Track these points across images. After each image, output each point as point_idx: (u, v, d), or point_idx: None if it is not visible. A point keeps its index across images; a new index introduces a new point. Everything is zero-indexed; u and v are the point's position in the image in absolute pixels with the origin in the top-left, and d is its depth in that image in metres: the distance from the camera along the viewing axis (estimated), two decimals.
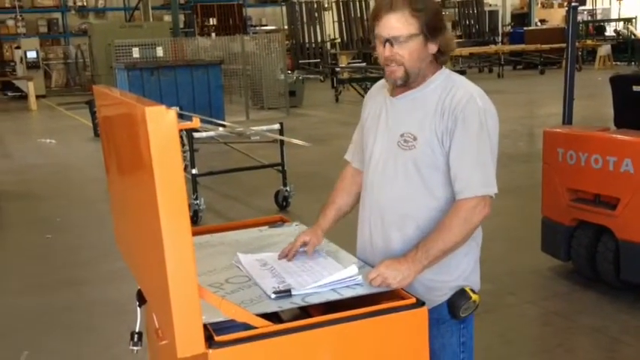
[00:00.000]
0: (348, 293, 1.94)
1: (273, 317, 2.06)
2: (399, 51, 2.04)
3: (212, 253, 2.34)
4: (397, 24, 2.02)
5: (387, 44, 2.05)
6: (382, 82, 2.29)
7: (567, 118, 5.06)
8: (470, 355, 2.23)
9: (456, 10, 27.87)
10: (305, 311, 2.23)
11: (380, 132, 2.20)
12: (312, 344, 1.78)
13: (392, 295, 1.95)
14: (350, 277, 1.98)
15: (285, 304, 1.88)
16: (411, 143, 2.09)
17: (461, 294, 2.12)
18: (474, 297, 2.12)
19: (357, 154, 2.39)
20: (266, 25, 27.62)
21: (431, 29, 2.03)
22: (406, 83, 2.10)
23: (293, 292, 1.92)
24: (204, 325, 1.66)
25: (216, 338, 1.68)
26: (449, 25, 27.06)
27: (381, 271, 1.96)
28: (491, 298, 4.49)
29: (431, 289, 2.12)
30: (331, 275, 1.99)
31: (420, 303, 1.87)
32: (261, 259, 2.21)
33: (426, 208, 2.11)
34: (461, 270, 2.16)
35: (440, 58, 2.12)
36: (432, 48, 2.07)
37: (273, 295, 1.91)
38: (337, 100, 16.88)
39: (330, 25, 24.96)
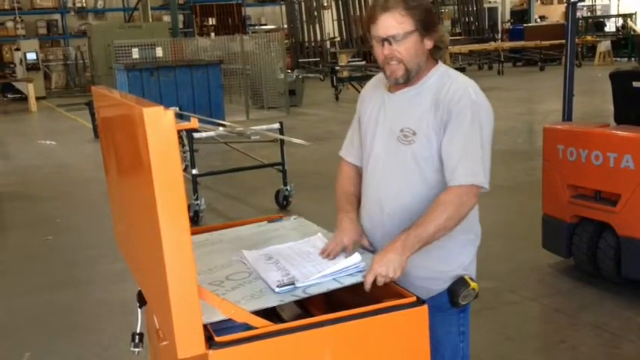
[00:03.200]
0: (349, 281, 1.94)
1: (273, 317, 2.06)
2: (398, 49, 2.09)
3: (211, 250, 2.33)
4: (393, 23, 2.07)
5: (386, 43, 2.10)
6: (377, 78, 2.35)
7: (567, 115, 5.05)
8: (467, 344, 2.28)
9: (455, 7, 27.84)
10: (306, 311, 2.23)
11: (379, 128, 2.24)
12: (313, 344, 1.77)
13: (392, 293, 1.95)
14: (353, 264, 1.98)
15: (287, 297, 1.87)
16: (410, 138, 2.14)
17: (460, 282, 2.16)
18: (473, 284, 2.16)
19: (352, 150, 2.43)
20: (265, 25, 27.61)
21: (425, 25, 2.10)
22: (407, 80, 2.15)
23: (297, 285, 1.91)
24: (205, 326, 1.66)
25: (217, 339, 1.68)
26: (447, 22, 27.02)
27: (376, 271, 1.96)
28: (492, 295, 4.49)
29: (430, 279, 2.16)
30: (335, 265, 1.98)
31: (420, 301, 1.87)
32: (266, 254, 2.20)
33: (424, 200, 2.15)
34: (460, 261, 2.21)
35: (436, 54, 2.18)
36: (428, 44, 2.13)
37: (277, 289, 1.90)
38: (337, 98, 16.87)
39: (330, 24, 24.92)
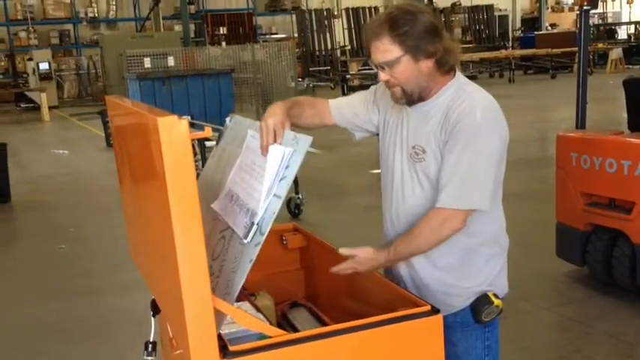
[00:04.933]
0: (283, 189, 1.85)
1: (287, 327, 2.05)
2: (392, 73, 2.05)
3: None
4: (380, 50, 2.03)
5: (380, 69, 2.07)
6: None
7: (580, 122, 5.04)
8: (494, 358, 2.25)
9: (466, 15, 27.87)
10: (319, 320, 2.22)
11: (398, 144, 2.21)
12: (327, 353, 1.76)
13: (406, 302, 1.94)
14: (282, 159, 1.91)
15: (253, 252, 1.78)
16: (420, 155, 2.11)
17: (483, 299, 2.14)
18: (497, 302, 2.14)
19: (340, 109, 2.33)
20: (276, 34, 27.70)
21: (417, 48, 2.00)
22: (409, 102, 2.11)
23: (255, 221, 1.83)
24: (218, 335, 1.65)
25: (231, 348, 1.67)
26: (458, 30, 26.79)
27: (356, 269, 2.09)
28: (506, 304, 4.42)
29: (452, 294, 2.14)
30: (269, 172, 1.90)
31: (434, 310, 1.86)
32: (227, 193, 2.08)
33: None
34: (484, 276, 2.19)
35: (443, 67, 2.07)
36: (427, 64, 2.03)
37: (245, 241, 1.82)
38: None
39: (340, 33, 24.98)
